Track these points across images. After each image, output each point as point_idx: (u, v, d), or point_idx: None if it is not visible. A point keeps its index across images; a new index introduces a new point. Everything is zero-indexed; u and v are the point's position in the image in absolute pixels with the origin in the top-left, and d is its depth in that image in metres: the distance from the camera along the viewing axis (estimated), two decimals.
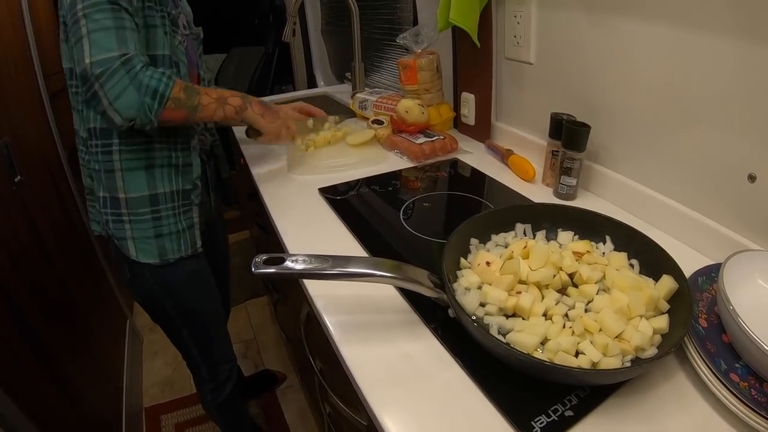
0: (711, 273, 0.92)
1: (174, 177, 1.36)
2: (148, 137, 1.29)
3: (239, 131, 1.98)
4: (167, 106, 1.17)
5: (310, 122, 1.82)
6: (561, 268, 0.93)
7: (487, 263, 0.92)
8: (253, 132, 1.52)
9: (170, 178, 1.35)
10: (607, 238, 1.02)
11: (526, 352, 0.74)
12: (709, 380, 0.73)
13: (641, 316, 0.80)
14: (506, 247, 1.01)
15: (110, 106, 1.11)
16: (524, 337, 0.78)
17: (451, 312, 0.89)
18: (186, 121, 1.27)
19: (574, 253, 0.96)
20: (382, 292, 1.00)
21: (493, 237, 1.06)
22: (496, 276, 0.90)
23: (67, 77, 1.30)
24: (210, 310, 1.67)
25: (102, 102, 1.12)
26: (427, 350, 0.86)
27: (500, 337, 0.80)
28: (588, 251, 0.96)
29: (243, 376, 2.44)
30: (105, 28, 1.10)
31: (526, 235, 1.07)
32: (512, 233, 1.07)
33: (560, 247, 1.00)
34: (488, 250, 1.02)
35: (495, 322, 0.84)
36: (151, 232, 1.36)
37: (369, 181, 1.53)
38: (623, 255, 0.96)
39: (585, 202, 1.32)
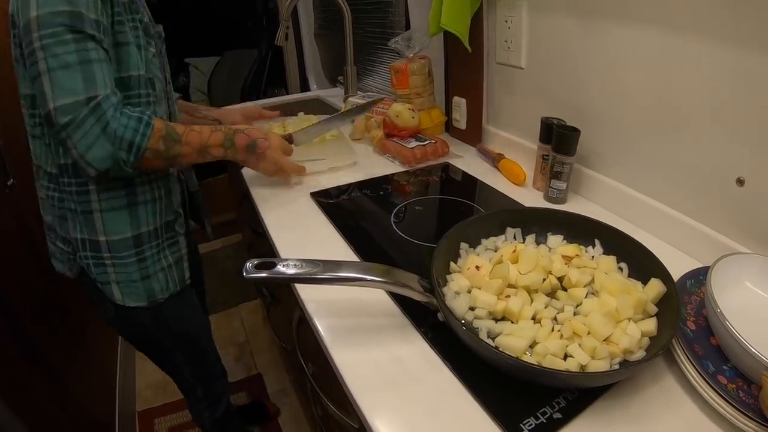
0: (699, 276, 0.93)
1: (158, 211, 1.27)
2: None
3: None
4: (144, 156, 1.07)
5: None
6: (550, 272, 0.93)
7: (477, 267, 0.93)
8: None
9: (154, 213, 1.26)
10: (596, 241, 1.02)
11: (514, 356, 0.75)
12: (697, 382, 0.74)
13: (629, 319, 0.81)
14: (496, 251, 1.02)
15: (81, 158, 1.01)
16: (513, 340, 0.78)
17: (440, 316, 0.89)
18: (164, 169, 1.21)
19: (563, 256, 0.97)
20: (373, 296, 1.00)
21: (483, 241, 1.06)
22: (485, 280, 0.90)
23: (24, 104, 1.17)
24: (200, 327, 1.61)
25: (71, 152, 1.01)
26: (417, 354, 0.86)
27: (489, 341, 0.80)
28: (577, 255, 0.97)
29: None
30: (67, 66, 0.96)
31: (515, 239, 1.07)
32: (502, 237, 1.07)
33: (549, 251, 1.01)
34: (478, 254, 1.02)
35: (484, 326, 0.84)
36: (136, 275, 1.26)
37: (361, 185, 1.53)
38: (612, 258, 0.96)
39: (575, 205, 1.33)
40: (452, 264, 0.99)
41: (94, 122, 0.98)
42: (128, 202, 1.20)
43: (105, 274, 1.24)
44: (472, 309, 0.87)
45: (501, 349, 0.76)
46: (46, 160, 1.17)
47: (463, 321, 0.85)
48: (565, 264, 0.95)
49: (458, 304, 0.87)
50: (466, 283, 0.91)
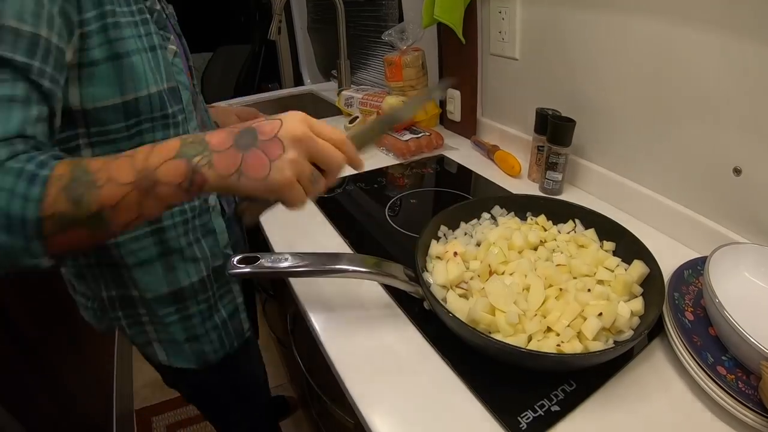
0: (697, 266, 0.92)
1: (200, 257, 1.02)
2: None
3: None
4: (45, 232, 0.59)
5: None
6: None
7: (455, 253, 0.94)
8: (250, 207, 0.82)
9: (195, 260, 1.01)
10: (577, 221, 1.05)
11: (502, 340, 0.75)
12: (696, 373, 0.73)
13: (619, 301, 0.82)
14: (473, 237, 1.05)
15: None
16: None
17: (426, 304, 0.89)
18: (98, 242, 0.67)
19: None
20: (367, 289, 1.00)
21: (462, 225, 1.08)
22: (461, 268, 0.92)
23: None
24: (260, 379, 1.44)
25: None
26: (412, 345, 0.86)
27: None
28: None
29: None
30: None
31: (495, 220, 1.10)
32: (486, 215, 1.11)
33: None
34: (456, 238, 1.04)
35: None
36: (181, 336, 1.06)
37: (355, 178, 1.52)
38: (591, 231, 1.01)
39: (571, 196, 1.32)
40: (434, 245, 1.00)
41: None
42: (159, 252, 0.96)
43: (143, 334, 1.05)
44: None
45: (489, 335, 0.76)
46: None
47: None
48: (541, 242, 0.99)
49: (441, 291, 0.89)
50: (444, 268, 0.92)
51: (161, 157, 0.64)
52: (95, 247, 0.85)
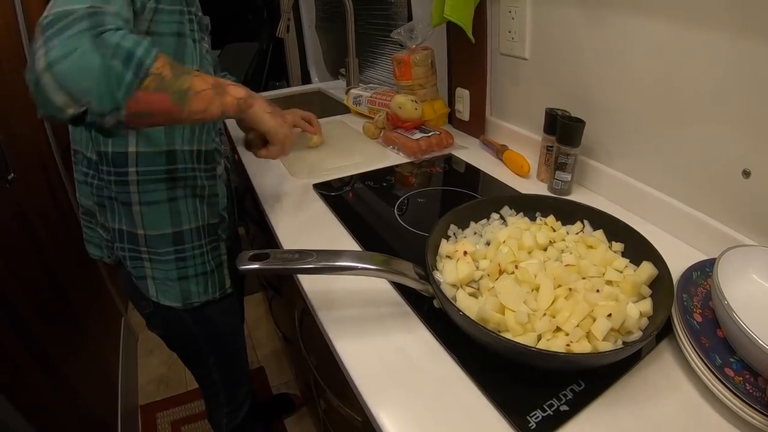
0: (705, 268, 0.92)
1: (200, 210, 1.21)
2: (171, 162, 1.10)
3: (232, 126, 1.94)
4: (145, 83, 0.77)
5: (315, 138, 1.76)
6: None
7: (465, 253, 0.94)
8: (255, 141, 1.18)
9: (196, 211, 1.20)
10: (586, 222, 1.05)
11: (512, 339, 0.75)
12: (704, 375, 0.73)
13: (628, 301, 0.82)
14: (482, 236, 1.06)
15: (47, 70, 0.69)
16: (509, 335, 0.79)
17: (436, 302, 0.89)
18: (169, 116, 0.85)
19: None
20: (375, 286, 1.00)
21: (472, 224, 1.08)
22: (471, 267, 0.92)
23: None
24: (237, 332, 1.58)
25: (34, 67, 0.69)
26: (421, 343, 0.86)
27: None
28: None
29: (258, 399, 2.18)
30: None
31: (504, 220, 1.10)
32: (495, 215, 1.11)
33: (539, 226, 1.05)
34: (465, 237, 1.04)
35: None
36: (174, 274, 1.22)
37: (363, 177, 1.53)
38: (599, 232, 1.01)
39: (580, 197, 1.32)
40: (444, 244, 1.00)
41: (85, 27, 0.72)
42: (169, 197, 1.14)
43: (141, 269, 1.21)
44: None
45: (499, 333, 0.76)
46: (86, 146, 1.11)
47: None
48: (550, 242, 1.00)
49: (451, 290, 0.89)
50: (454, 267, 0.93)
51: (233, 84, 0.99)
52: (164, 123, 0.92)
